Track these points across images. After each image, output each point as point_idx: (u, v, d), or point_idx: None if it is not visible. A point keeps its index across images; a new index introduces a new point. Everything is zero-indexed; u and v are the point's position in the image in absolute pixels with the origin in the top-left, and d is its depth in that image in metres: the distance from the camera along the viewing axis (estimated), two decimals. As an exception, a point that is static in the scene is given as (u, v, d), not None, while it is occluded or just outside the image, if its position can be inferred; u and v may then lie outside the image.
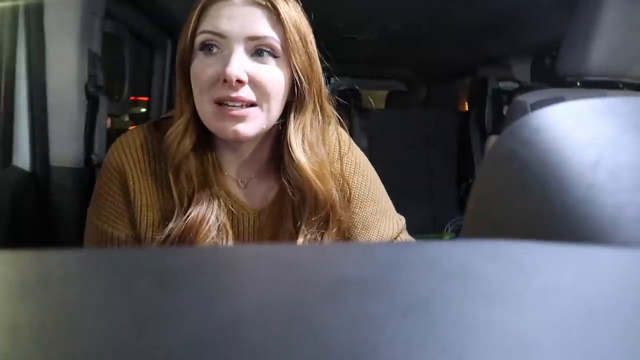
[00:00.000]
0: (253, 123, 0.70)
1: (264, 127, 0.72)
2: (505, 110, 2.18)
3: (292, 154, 0.73)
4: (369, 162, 0.88)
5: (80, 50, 1.24)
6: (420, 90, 3.56)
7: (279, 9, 0.69)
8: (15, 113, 1.15)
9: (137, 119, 2.46)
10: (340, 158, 0.83)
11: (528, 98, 1.29)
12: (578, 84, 1.28)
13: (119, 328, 0.13)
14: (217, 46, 0.69)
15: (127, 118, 2.34)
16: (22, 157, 1.16)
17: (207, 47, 0.69)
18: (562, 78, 1.29)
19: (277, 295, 0.16)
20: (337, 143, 0.83)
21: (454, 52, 2.65)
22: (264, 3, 0.69)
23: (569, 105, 0.28)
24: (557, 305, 0.14)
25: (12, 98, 1.14)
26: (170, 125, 0.75)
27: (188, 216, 0.71)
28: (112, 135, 1.46)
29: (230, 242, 0.76)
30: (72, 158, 1.25)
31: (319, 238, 0.77)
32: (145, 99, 2.11)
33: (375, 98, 3.94)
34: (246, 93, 0.68)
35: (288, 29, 0.70)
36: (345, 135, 0.85)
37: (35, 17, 1.15)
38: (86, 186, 1.26)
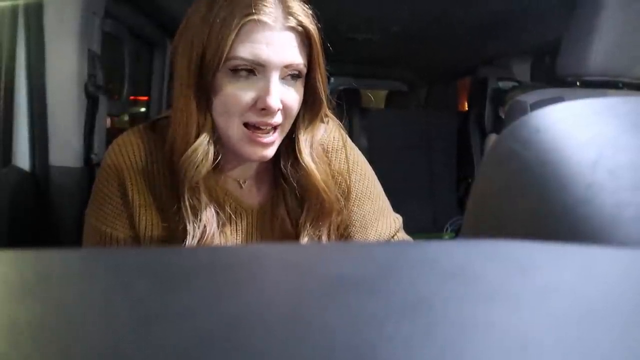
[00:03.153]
0: (276, 145, 0.72)
1: (280, 142, 0.74)
2: (501, 112, 2.18)
3: (303, 162, 0.75)
4: (366, 161, 0.88)
5: (79, 50, 1.23)
6: (420, 90, 3.56)
7: (311, 32, 0.70)
8: (14, 112, 1.15)
9: (136, 119, 2.46)
10: (345, 157, 0.84)
11: (528, 98, 1.29)
12: (578, 83, 1.28)
13: (119, 328, 0.13)
14: (252, 72, 0.68)
15: (126, 117, 2.34)
16: (22, 156, 1.16)
17: (241, 71, 0.68)
18: (561, 78, 1.29)
19: (277, 295, 0.16)
20: (335, 142, 0.83)
21: (454, 52, 2.65)
22: (297, 27, 0.69)
23: (569, 105, 0.28)
24: (556, 305, 0.14)
25: (11, 97, 1.14)
26: (166, 127, 0.74)
27: (203, 233, 0.71)
28: (112, 134, 1.46)
29: (229, 241, 0.76)
30: (72, 157, 1.25)
31: (318, 237, 0.77)
32: (145, 98, 2.11)
33: (375, 98, 3.94)
34: (278, 118, 0.69)
35: (316, 53, 0.71)
36: (343, 134, 0.85)
37: (35, 16, 1.15)
38: (86, 186, 1.26)
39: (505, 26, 2.07)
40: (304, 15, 0.70)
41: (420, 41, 2.48)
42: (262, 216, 0.79)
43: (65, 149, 1.23)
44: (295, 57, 0.69)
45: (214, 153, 0.71)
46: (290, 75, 0.70)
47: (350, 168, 0.84)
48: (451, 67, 3.06)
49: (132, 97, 1.97)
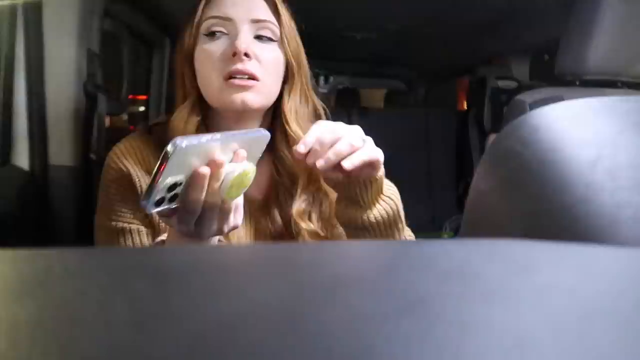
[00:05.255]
0: (257, 95, 0.76)
1: (265, 102, 0.77)
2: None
3: (289, 128, 0.79)
4: None
5: (78, 49, 1.23)
6: (419, 89, 3.55)
7: None
8: (13, 112, 1.14)
9: (135, 118, 2.45)
10: None
11: (527, 97, 1.29)
12: (577, 83, 1.28)
13: (118, 327, 0.13)
14: (223, 30, 0.76)
15: (125, 116, 2.33)
16: (21, 155, 1.16)
17: (213, 31, 0.76)
18: (560, 77, 1.29)
19: (276, 294, 0.16)
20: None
21: (453, 51, 2.65)
22: None
23: (568, 104, 0.28)
24: (555, 304, 0.15)
25: (10, 97, 1.13)
26: (162, 131, 0.79)
27: None
28: (111, 133, 1.46)
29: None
30: (71, 157, 1.25)
31: (312, 213, 0.80)
32: (144, 97, 2.11)
33: (374, 97, 3.94)
34: (252, 66, 0.75)
35: (283, 15, 0.78)
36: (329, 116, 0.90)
37: (34, 15, 1.15)
38: (85, 185, 1.26)
39: (504, 25, 2.06)
40: None
41: (419, 40, 2.47)
42: (260, 208, 0.80)
43: (64, 148, 1.23)
44: (261, 13, 0.76)
45: (198, 121, 0.77)
46: (263, 35, 0.77)
47: None
48: (450, 66, 3.05)
49: (131, 96, 1.96)
